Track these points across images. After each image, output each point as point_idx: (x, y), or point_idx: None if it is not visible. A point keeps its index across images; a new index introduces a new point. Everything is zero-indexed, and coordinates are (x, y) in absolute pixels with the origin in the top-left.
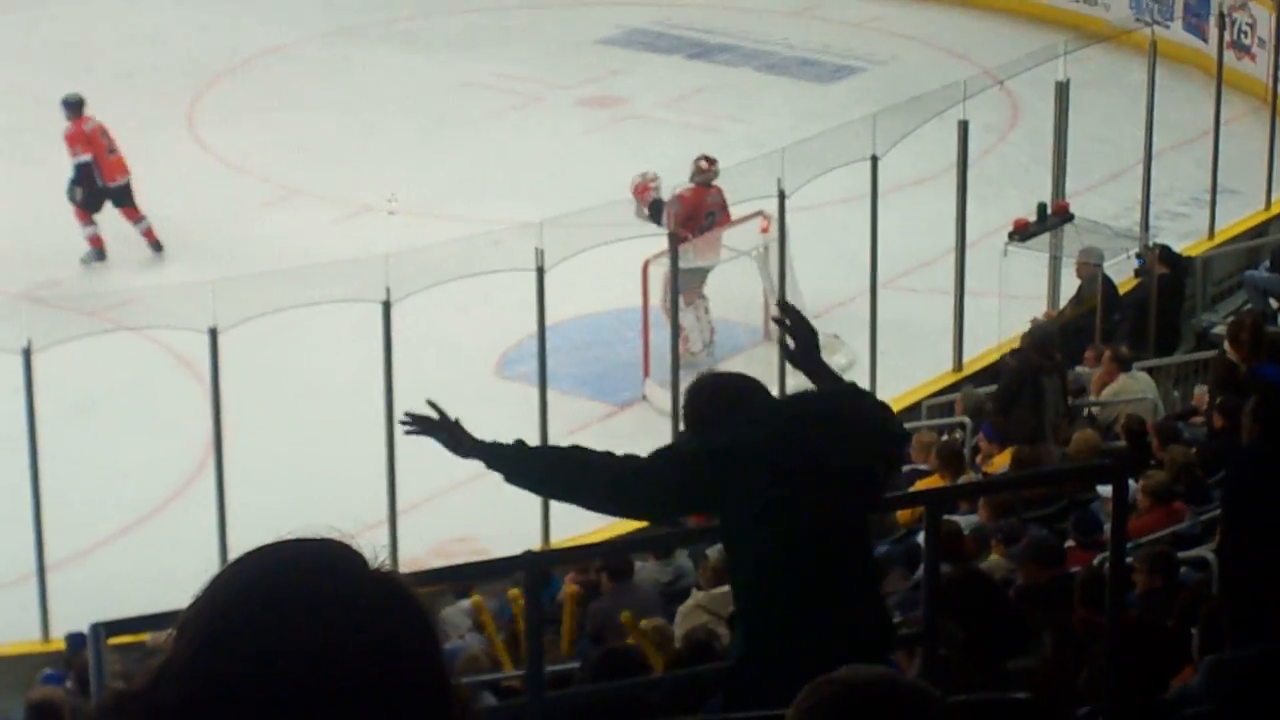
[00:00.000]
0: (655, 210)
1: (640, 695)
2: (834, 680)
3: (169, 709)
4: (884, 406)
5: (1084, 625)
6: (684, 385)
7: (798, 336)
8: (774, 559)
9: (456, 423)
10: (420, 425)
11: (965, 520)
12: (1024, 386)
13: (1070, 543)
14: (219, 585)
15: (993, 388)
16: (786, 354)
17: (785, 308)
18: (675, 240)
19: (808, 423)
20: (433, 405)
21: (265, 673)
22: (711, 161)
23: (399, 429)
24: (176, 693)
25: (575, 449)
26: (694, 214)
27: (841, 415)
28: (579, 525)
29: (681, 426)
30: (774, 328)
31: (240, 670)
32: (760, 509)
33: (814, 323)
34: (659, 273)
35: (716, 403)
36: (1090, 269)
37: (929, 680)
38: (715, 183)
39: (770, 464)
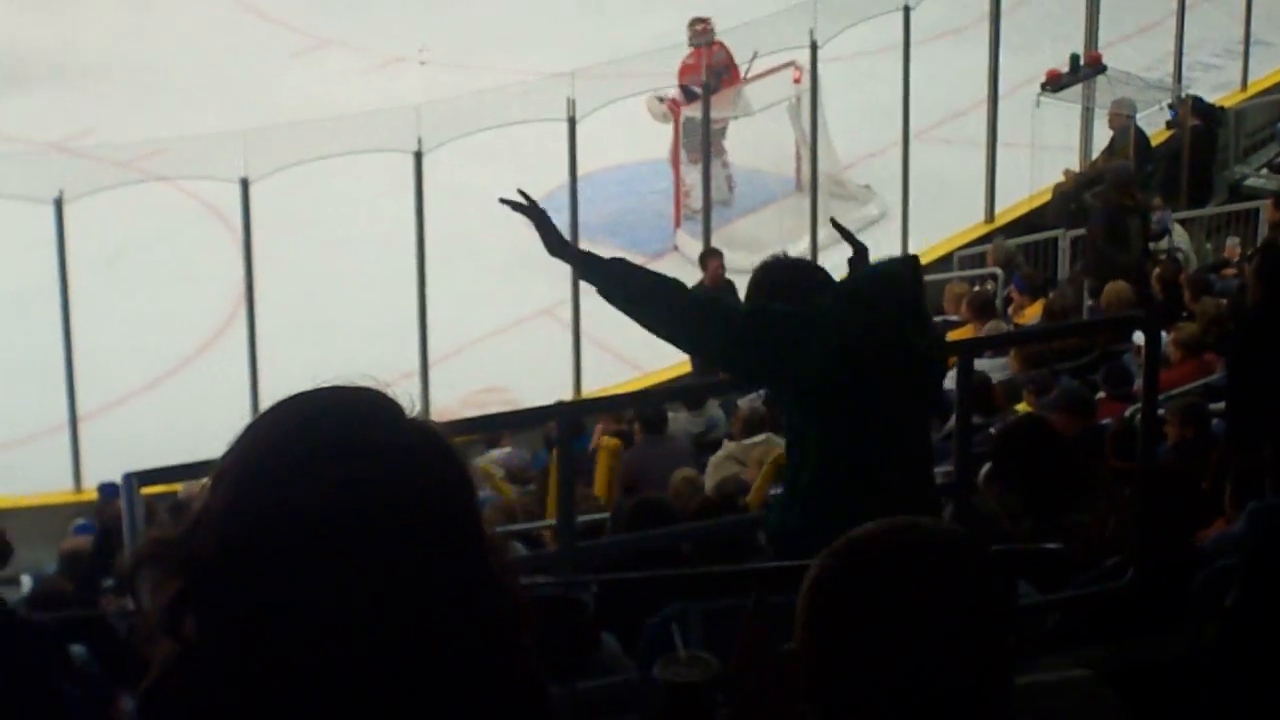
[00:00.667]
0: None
1: (671, 545)
2: (869, 529)
3: (207, 556)
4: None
5: (1116, 474)
6: (714, 235)
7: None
8: (842, 434)
9: (547, 218)
10: (516, 206)
11: (995, 369)
12: (1113, 229)
13: (1101, 394)
14: (255, 432)
15: (1024, 238)
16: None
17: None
18: (691, 95)
19: (868, 303)
20: (524, 195)
21: (302, 517)
22: (704, 21)
23: (430, 279)
24: (214, 540)
25: (678, 283)
26: (699, 72)
27: (891, 297)
28: (611, 376)
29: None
30: (806, 178)
31: (277, 516)
32: (834, 382)
33: (846, 173)
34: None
35: (782, 283)
36: (1123, 120)
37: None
38: (717, 40)
39: (845, 340)
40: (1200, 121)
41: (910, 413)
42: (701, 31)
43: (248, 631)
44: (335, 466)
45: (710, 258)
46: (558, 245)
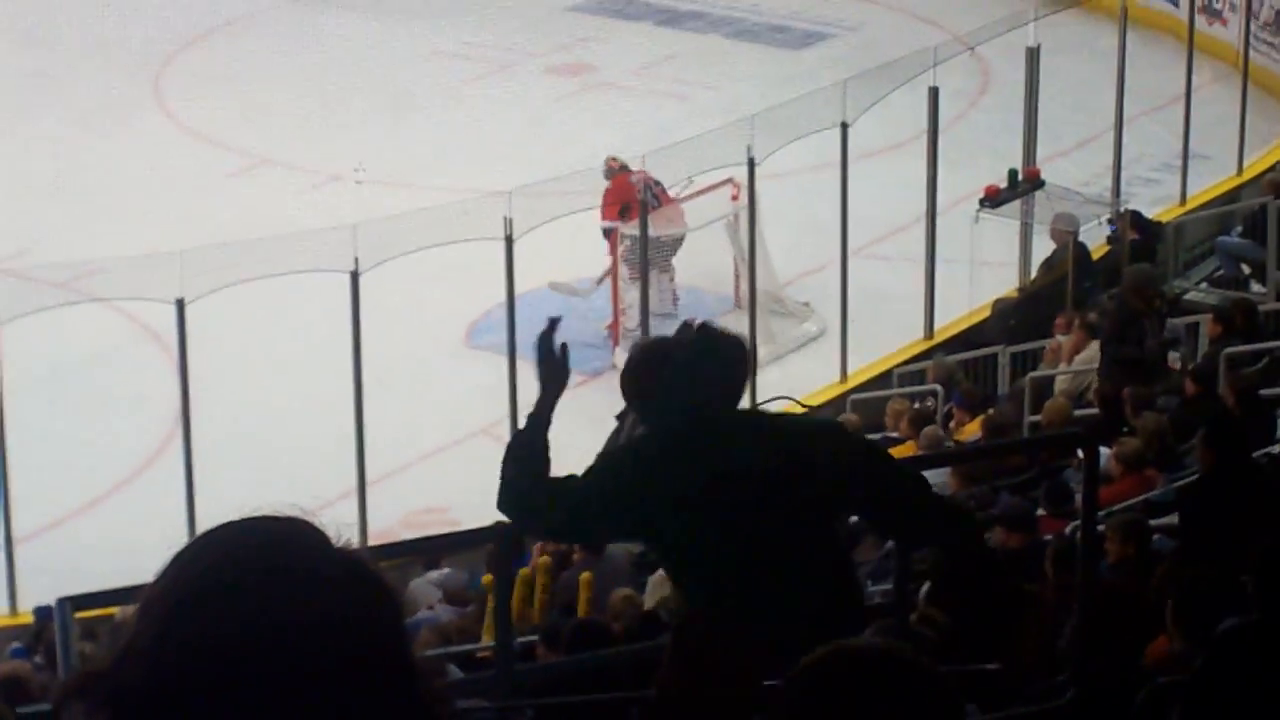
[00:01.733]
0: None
1: (610, 666)
2: (828, 652)
3: (133, 688)
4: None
5: (1057, 593)
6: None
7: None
8: (715, 572)
9: (560, 365)
10: (545, 353)
11: (936, 485)
12: (1125, 330)
13: (1041, 512)
14: (181, 563)
15: (963, 355)
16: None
17: None
18: (626, 215)
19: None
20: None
21: (228, 650)
22: (614, 159)
23: (367, 399)
24: (141, 671)
25: (545, 478)
26: (625, 199)
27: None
28: None
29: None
30: (744, 295)
31: (203, 648)
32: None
33: (785, 290)
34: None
35: (638, 379)
36: (1064, 235)
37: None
38: (636, 168)
39: (671, 488)
40: (1139, 236)
41: (805, 537)
42: (613, 167)
43: None
44: (260, 598)
45: None
46: (537, 408)
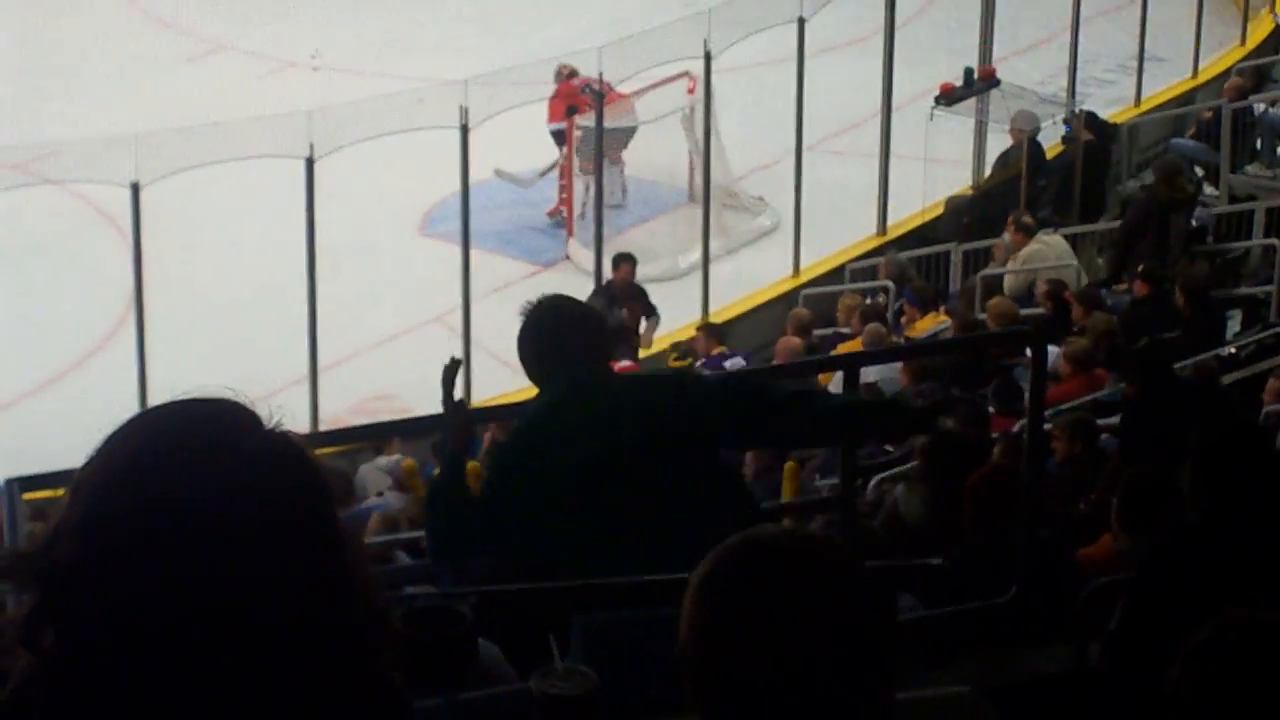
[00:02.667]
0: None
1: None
2: (737, 540)
3: (63, 567)
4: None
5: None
6: (607, 244)
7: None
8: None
9: (461, 410)
10: (446, 393)
11: (887, 380)
12: (1150, 221)
13: (991, 409)
14: (110, 445)
15: (916, 251)
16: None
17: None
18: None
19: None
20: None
21: (154, 528)
22: (565, 65)
23: (321, 285)
24: (70, 551)
25: (463, 502)
26: (571, 102)
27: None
28: (503, 384)
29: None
30: (698, 188)
31: (130, 526)
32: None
33: (739, 184)
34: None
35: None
36: (1021, 134)
37: (849, 545)
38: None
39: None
40: (1093, 136)
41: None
42: (565, 73)
43: (104, 642)
44: (189, 477)
45: (622, 262)
46: (445, 439)
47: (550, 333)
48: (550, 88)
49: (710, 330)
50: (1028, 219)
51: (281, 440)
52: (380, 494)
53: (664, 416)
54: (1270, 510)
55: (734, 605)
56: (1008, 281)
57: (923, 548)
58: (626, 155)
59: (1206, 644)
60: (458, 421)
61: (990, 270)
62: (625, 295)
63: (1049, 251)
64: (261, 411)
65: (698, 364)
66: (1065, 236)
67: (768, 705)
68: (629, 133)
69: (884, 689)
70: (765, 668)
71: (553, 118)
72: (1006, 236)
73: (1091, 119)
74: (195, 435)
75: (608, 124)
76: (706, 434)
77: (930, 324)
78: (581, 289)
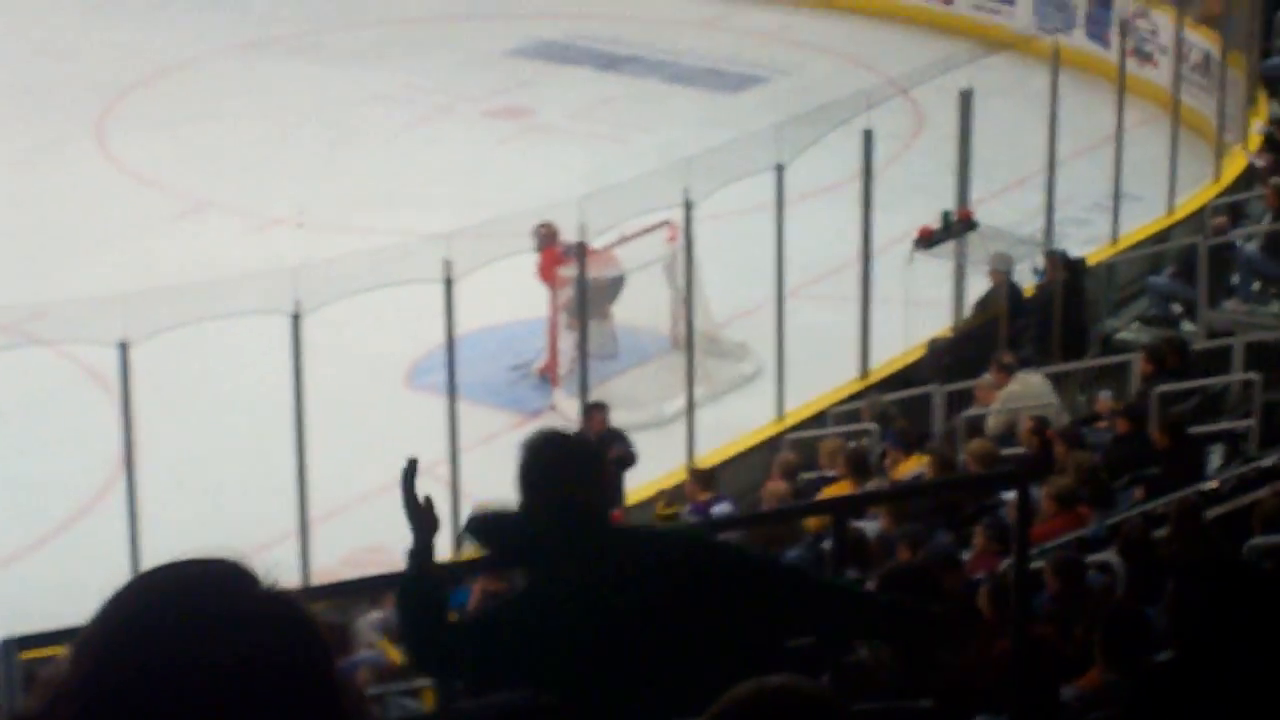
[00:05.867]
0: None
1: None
2: (742, 690)
3: None
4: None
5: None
6: (592, 394)
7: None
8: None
9: (426, 508)
10: (407, 494)
11: (870, 526)
12: None
13: (977, 545)
14: (112, 606)
15: (898, 394)
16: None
17: None
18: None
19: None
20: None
21: (156, 691)
22: (546, 224)
23: (309, 440)
24: (72, 712)
25: (439, 623)
26: (555, 263)
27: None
28: None
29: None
30: (681, 336)
31: (131, 689)
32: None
33: (721, 331)
34: (566, 281)
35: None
36: (999, 275)
37: (839, 688)
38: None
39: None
40: (1067, 275)
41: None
42: (544, 235)
43: None
44: (187, 638)
45: (594, 411)
46: (412, 548)
47: (552, 464)
48: (530, 240)
49: (699, 476)
50: (1008, 358)
51: (280, 599)
52: (371, 646)
53: (687, 583)
54: (1250, 644)
55: None
56: (990, 422)
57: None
58: (614, 307)
59: None
60: (423, 521)
61: (974, 410)
62: (602, 444)
63: (1029, 390)
64: (258, 569)
65: (685, 511)
66: (1048, 375)
67: None
68: (617, 285)
69: None
70: None
71: (542, 277)
72: (987, 376)
73: (1062, 257)
74: (194, 597)
75: (595, 274)
76: (744, 615)
77: (914, 465)
78: None
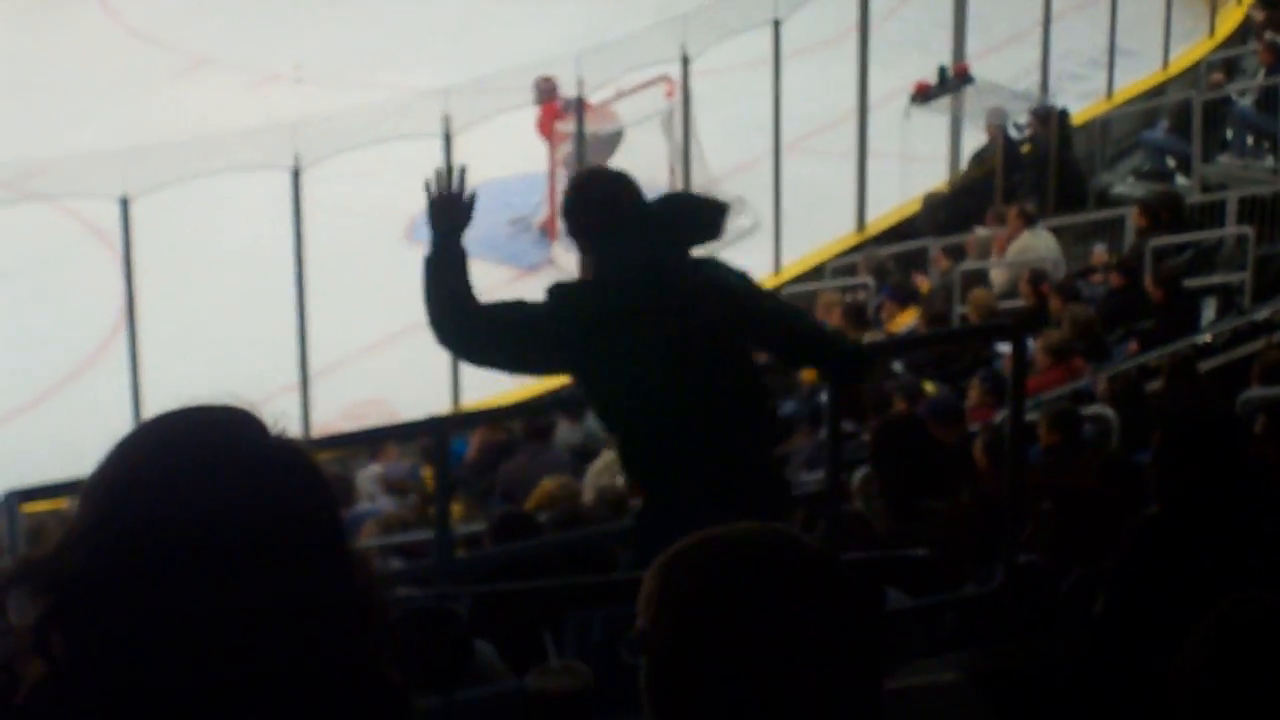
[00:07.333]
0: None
1: (543, 556)
2: (707, 536)
3: (73, 574)
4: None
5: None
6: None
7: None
8: (642, 408)
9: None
10: (439, 191)
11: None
12: None
13: (971, 399)
14: (120, 452)
15: (895, 248)
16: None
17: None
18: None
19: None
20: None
21: (164, 535)
22: (548, 79)
23: (309, 294)
24: (80, 558)
25: (474, 304)
26: (553, 118)
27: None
28: (490, 386)
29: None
30: (679, 190)
31: (141, 533)
32: (620, 359)
33: (720, 186)
34: (565, 136)
35: (591, 211)
36: (995, 129)
37: (833, 538)
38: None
39: (627, 309)
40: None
41: (727, 379)
42: (545, 89)
43: (112, 648)
44: (197, 484)
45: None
46: (436, 233)
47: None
48: (529, 94)
49: None
50: (1029, 207)
51: (289, 446)
52: (373, 499)
53: (726, 306)
54: (1238, 497)
55: (705, 605)
56: (1000, 275)
57: (888, 538)
58: (611, 161)
59: (1217, 624)
60: (459, 209)
61: (969, 264)
62: None
63: (1040, 244)
64: (265, 417)
65: None
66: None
67: (741, 708)
68: (615, 139)
69: (869, 683)
70: (739, 669)
71: (542, 131)
72: (981, 230)
73: (1045, 113)
74: (204, 442)
75: (594, 129)
76: (746, 321)
77: (910, 318)
78: None
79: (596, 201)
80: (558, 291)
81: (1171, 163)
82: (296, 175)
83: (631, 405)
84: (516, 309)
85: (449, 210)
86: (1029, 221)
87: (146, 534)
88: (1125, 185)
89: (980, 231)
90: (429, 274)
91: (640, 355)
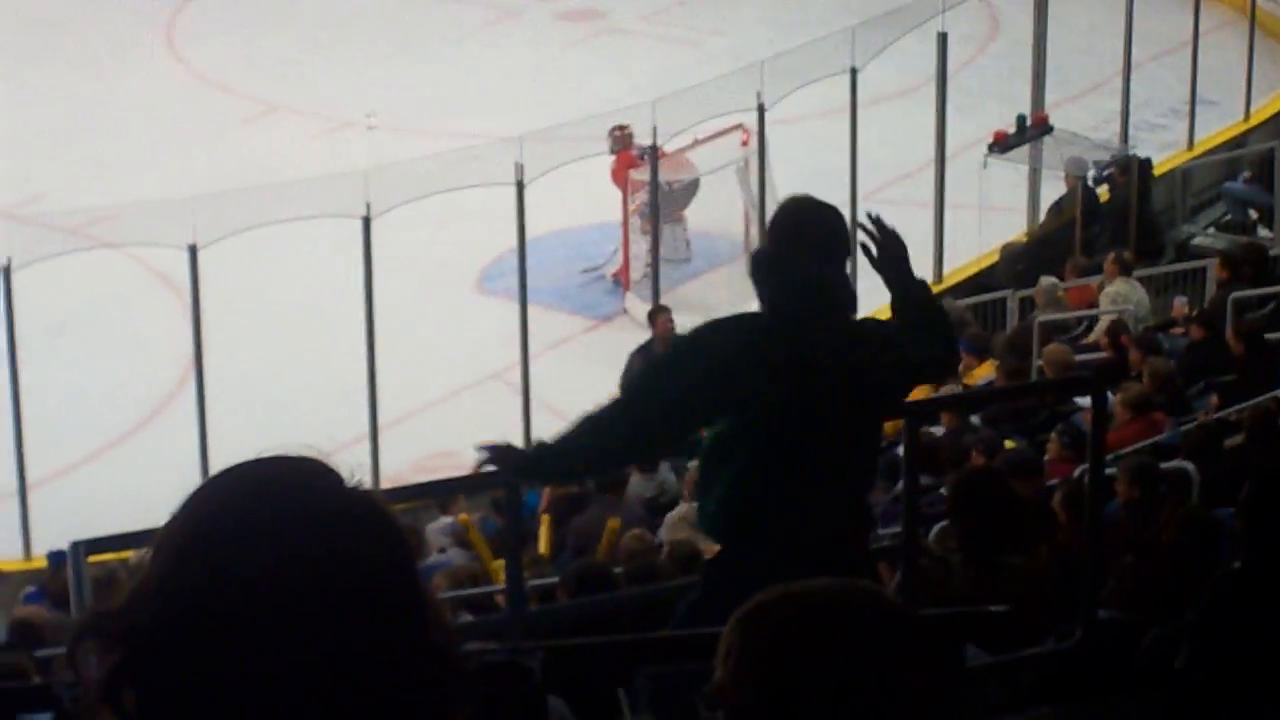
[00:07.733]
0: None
1: (619, 609)
2: (788, 590)
3: (145, 627)
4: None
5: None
6: (663, 298)
7: (883, 245)
8: (759, 452)
9: (508, 446)
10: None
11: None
12: None
13: (1050, 453)
14: (193, 503)
15: (972, 299)
16: (869, 259)
17: (873, 218)
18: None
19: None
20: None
21: (238, 589)
22: (622, 127)
23: (380, 344)
24: (152, 611)
25: (585, 419)
26: (628, 166)
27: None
28: None
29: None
30: (754, 240)
31: (214, 587)
32: (751, 405)
33: None
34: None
35: (792, 240)
36: (1074, 179)
37: (908, 594)
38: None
39: (772, 361)
40: (1137, 180)
41: (847, 439)
42: (620, 137)
43: (184, 703)
44: (273, 537)
45: (658, 314)
46: (516, 466)
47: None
48: (603, 142)
49: None
50: (1127, 255)
51: (365, 498)
52: (443, 550)
53: (871, 369)
54: None
55: (785, 660)
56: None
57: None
58: (687, 211)
59: None
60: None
61: (1046, 315)
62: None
63: (1132, 293)
64: (342, 469)
65: None
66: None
67: None
68: (691, 189)
69: None
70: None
71: (616, 180)
72: (1044, 280)
73: (1130, 161)
74: (280, 493)
75: (669, 178)
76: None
77: (987, 371)
78: (637, 343)
79: (815, 233)
80: (737, 325)
81: (1254, 214)
82: (367, 223)
83: (776, 449)
84: (660, 391)
85: (499, 457)
86: (1124, 269)
87: (221, 587)
88: (1206, 236)
89: (1044, 281)
90: (557, 465)
91: (815, 399)
